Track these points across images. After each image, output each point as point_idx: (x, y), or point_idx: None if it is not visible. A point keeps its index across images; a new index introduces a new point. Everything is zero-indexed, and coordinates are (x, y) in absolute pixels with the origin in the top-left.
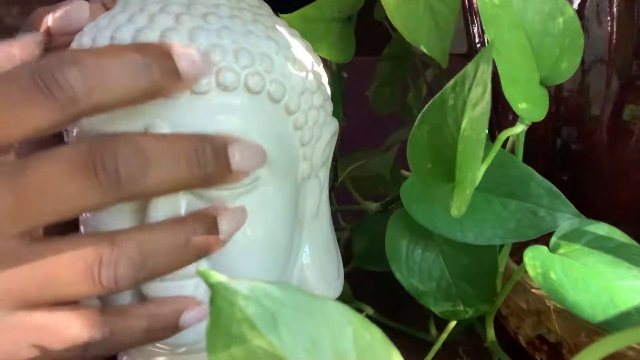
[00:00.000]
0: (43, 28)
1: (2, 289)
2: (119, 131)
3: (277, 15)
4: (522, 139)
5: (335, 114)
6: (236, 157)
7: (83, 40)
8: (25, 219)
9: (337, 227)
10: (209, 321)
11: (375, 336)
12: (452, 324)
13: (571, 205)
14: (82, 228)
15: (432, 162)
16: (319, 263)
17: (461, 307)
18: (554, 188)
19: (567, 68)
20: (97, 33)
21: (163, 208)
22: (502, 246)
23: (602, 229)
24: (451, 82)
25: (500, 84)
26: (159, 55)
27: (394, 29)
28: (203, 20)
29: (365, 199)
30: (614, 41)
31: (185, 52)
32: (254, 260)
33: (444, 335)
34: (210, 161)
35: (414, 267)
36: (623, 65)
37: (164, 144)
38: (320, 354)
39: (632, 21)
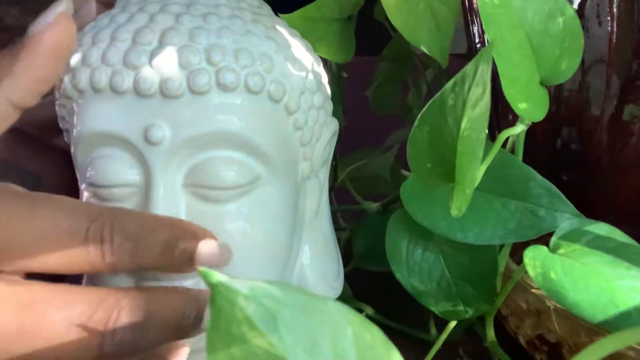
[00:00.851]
0: None
1: None
2: (119, 131)
3: (277, 15)
4: (522, 139)
5: (335, 114)
6: (201, 257)
7: (83, 41)
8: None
9: (337, 227)
10: (209, 321)
11: (375, 336)
12: (452, 324)
13: (571, 205)
14: None
15: (432, 162)
16: (319, 263)
17: (461, 307)
18: (554, 188)
19: (567, 68)
20: (97, 33)
21: (163, 209)
22: (502, 246)
23: (602, 229)
24: (451, 82)
25: (500, 84)
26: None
27: (394, 29)
28: (203, 20)
29: (365, 199)
30: (614, 41)
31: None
32: (254, 260)
33: (444, 335)
34: (178, 255)
35: (414, 267)
36: (623, 65)
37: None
38: (320, 354)
39: (632, 21)
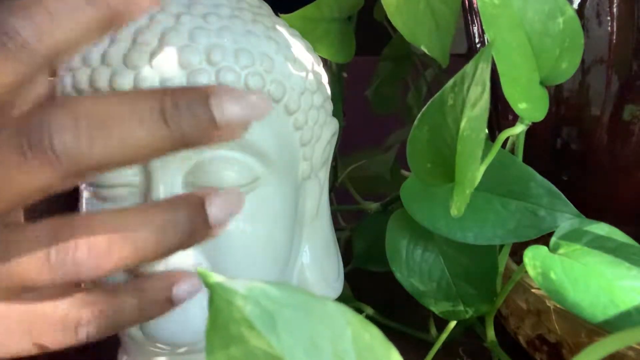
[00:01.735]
0: None
1: None
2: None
3: (277, 15)
4: (522, 139)
5: (335, 114)
6: (224, 108)
7: None
8: None
9: (337, 227)
10: (208, 321)
11: (374, 336)
12: (452, 324)
13: (571, 205)
14: None
15: (431, 162)
16: (319, 263)
17: (461, 307)
18: (554, 188)
19: (567, 68)
20: None
21: None
22: (502, 246)
23: (602, 229)
24: (450, 82)
25: (500, 83)
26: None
27: (394, 29)
28: (203, 20)
29: (365, 199)
30: (614, 41)
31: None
32: (253, 260)
33: (444, 335)
34: (185, 115)
35: (414, 267)
36: (623, 65)
37: (110, 105)
38: (320, 355)
39: (632, 21)
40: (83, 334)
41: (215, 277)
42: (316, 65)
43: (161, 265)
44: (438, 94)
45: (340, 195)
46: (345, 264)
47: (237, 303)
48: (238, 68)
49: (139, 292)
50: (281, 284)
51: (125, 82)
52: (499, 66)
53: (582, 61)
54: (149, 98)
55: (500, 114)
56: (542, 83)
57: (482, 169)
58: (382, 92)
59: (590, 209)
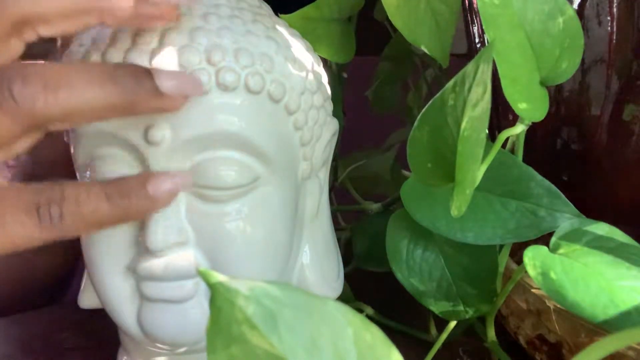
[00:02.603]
0: None
1: None
2: (119, 131)
3: (277, 15)
4: (522, 139)
5: (335, 114)
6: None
7: (83, 40)
8: None
9: (337, 227)
10: (209, 321)
11: (375, 336)
12: (452, 324)
13: (571, 205)
14: None
15: (432, 162)
16: (319, 263)
17: (461, 307)
18: (554, 188)
19: (567, 68)
20: (98, 33)
21: (163, 209)
22: (502, 246)
23: (602, 229)
24: (451, 82)
25: (500, 84)
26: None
27: (394, 29)
28: (203, 20)
29: (365, 199)
30: (614, 41)
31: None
32: (253, 260)
33: (444, 335)
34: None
35: (414, 267)
36: (623, 65)
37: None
38: (321, 354)
39: (632, 21)
40: (46, 218)
41: (217, 277)
42: (316, 65)
43: (161, 265)
44: (439, 94)
45: (340, 195)
46: (345, 264)
47: (239, 303)
48: (238, 68)
49: (107, 183)
50: (282, 284)
51: None
52: (499, 66)
53: (582, 61)
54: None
55: (501, 114)
56: (542, 83)
57: (483, 169)
58: (382, 92)
59: (590, 209)
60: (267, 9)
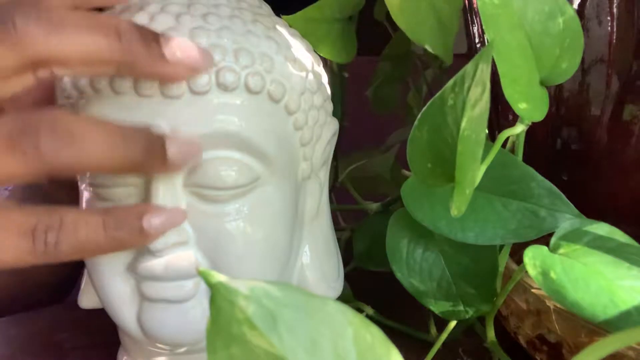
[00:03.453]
0: None
1: None
2: None
3: (278, 16)
4: (522, 139)
5: (335, 114)
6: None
7: None
8: None
9: (337, 227)
10: (209, 321)
11: (375, 336)
12: (452, 324)
13: (571, 205)
14: None
15: (432, 162)
16: (319, 263)
17: (461, 307)
18: (555, 188)
19: (567, 68)
20: None
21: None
22: (502, 246)
23: (602, 229)
24: (450, 82)
25: (500, 84)
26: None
27: (394, 29)
28: (203, 20)
29: (365, 199)
30: (614, 41)
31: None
32: (254, 260)
33: (444, 335)
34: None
35: (415, 267)
36: (623, 65)
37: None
38: (321, 354)
39: (632, 21)
40: (41, 242)
41: (218, 277)
42: (316, 65)
43: (161, 265)
44: (438, 94)
45: (340, 195)
46: (346, 264)
47: (239, 303)
48: (238, 68)
49: (105, 213)
50: (282, 284)
51: (126, 82)
52: (499, 66)
53: (582, 61)
54: (111, 18)
55: (501, 114)
56: (542, 83)
57: (483, 169)
58: (382, 92)
59: (590, 209)
60: (267, 9)
